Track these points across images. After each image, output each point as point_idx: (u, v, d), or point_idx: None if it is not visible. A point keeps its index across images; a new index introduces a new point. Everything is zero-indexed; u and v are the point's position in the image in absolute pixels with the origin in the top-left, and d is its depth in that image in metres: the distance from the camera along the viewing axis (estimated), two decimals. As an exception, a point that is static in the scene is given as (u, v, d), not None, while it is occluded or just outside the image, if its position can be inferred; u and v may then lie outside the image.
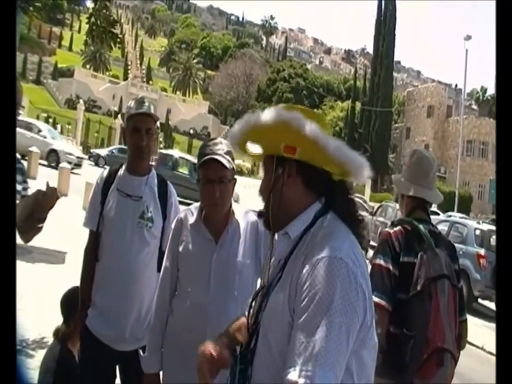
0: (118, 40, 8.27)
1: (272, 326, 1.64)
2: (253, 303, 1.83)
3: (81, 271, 3.45)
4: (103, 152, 39.09)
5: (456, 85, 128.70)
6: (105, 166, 28.18)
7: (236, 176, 2.84)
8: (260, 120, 1.67)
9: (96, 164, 35.97)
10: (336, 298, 1.47)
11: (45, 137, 27.37)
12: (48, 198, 2.64)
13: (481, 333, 9.90)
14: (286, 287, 1.61)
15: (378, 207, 24.63)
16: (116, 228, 3.32)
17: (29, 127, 27.37)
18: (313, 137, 1.60)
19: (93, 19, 7.88)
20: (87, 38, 7.73)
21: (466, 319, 3.15)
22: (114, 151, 39.84)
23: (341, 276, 1.50)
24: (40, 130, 27.81)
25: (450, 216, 17.90)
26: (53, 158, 26.93)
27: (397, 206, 17.53)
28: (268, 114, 1.65)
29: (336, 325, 1.46)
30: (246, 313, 1.87)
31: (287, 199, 1.73)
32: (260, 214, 1.87)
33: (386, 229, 3.07)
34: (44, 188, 2.68)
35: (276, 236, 1.84)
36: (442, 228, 14.30)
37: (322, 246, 1.57)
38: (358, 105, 69.18)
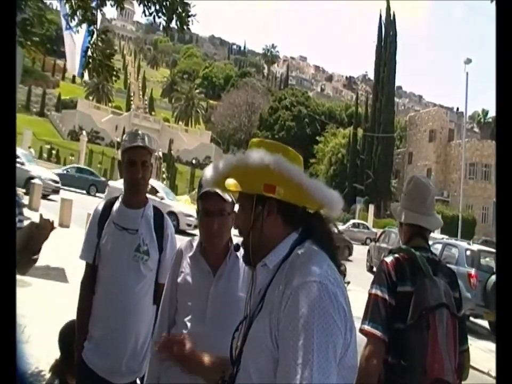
0: (115, 73, 8.24)
1: (253, 354, 1.66)
2: (236, 333, 1.85)
3: (78, 304, 3.45)
4: (57, 171, 37.40)
5: (457, 109, 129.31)
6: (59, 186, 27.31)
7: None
8: (243, 161, 1.74)
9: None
10: (319, 320, 1.49)
11: (162, 198, 24.87)
12: (42, 229, 2.64)
13: (487, 358, 9.73)
14: (267, 316, 1.63)
15: (381, 233, 24.84)
16: (112, 261, 3.33)
17: None
18: (297, 181, 1.69)
19: (89, 52, 7.88)
20: (83, 71, 7.72)
21: (468, 349, 3.06)
22: (69, 170, 40.05)
23: (321, 298, 1.52)
24: (156, 191, 25.70)
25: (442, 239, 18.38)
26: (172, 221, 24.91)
27: (400, 231, 17.77)
28: (251, 156, 1.71)
29: (323, 345, 1.48)
30: (230, 344, 1.89)
31: (267, 234, 1.78)
32: (237, 247, 1.92)
33: (383, 258, 3.02)
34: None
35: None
36: (435, 249, 14.81)
37: (301, 272, 1.60)
38: (360, 131, 69.43)
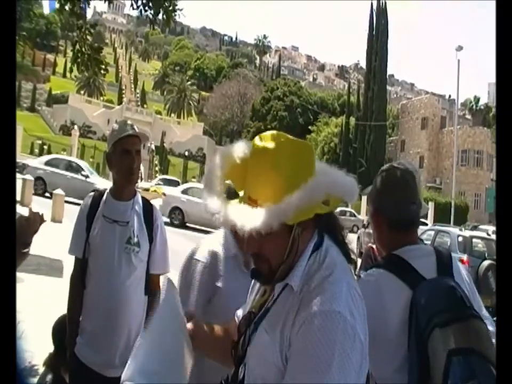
0: (103, 67, 8.22)
1: (261, 371, 1.55)
2: (242, 333, 1.72)
3: (68, 299, 3.43)
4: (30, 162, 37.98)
5: (449, 96, 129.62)
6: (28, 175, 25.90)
7: None
8: (302, 201, 1.46)
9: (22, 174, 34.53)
10: (335, 358, 1.38)
11: (87, 176, 25.79)
12: (31, 222, 2.60)
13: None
14: (277, 332, 1.51)
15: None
16: (103, 255, 3.30)
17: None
18: (344, 193, 1.58)
19: (77, 46, 7.84)
20: (72, 66, 7.72)
21: None
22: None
23: (339, 332, 1.40)
24: (82, 170, 26.53)
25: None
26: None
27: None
28: (308, 193, 1.47)
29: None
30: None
31: (298, 250, 1.58)
32: (256, 274, 1.66)
33: (369, 244, 3.05)
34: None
35: None
36: (428, 236, 15.50)
37: (319, 296, 1.46)
38: (353, 120, 69.45)
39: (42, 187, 24.52)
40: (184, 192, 24.31)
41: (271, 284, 1.64)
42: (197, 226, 22.40)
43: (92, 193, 3.56)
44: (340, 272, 1.53)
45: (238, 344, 1.70)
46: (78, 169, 26.26)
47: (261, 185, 1.52)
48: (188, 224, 23.33)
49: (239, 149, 1.64)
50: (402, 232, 2.25)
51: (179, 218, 23.43)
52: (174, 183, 37.07)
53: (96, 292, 3.30)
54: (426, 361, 1.90)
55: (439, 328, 1.90)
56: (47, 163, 26.33)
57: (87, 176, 25.49)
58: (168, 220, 23.29)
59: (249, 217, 1.47)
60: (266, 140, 1.54)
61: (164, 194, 24.69)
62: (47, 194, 24.33)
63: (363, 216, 33.75)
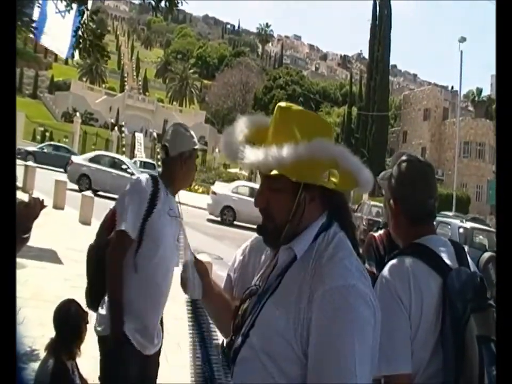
0: (105, 53, 8.19)
1: (267, 343, 1.58)
2: (243, 302, 1.78)
3: (114, 278, 3.31)
4: (31, 148, 38.13)
5: (452, 87, 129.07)
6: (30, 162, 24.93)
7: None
8: (306, 154, 1.54)
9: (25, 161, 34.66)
10: (357, 333, 1.46)
11: (132, 174, 25.10)
12: (31, 208, 2.61)
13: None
14: (290, 308, 1.55)
15: (358, 205, 26.81)
16: (163, 246, 3.43)
17: None
18: (355, 172, 1.66)
19: (79, 32, 7.80)
20: (74, 51, 7.66)
21: None
22: (44, 147, 39.16)
23: (357, 305, 1.48)
24: (127, 168, 26.63)
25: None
26: None
27: (371, 202, 19.58)
28: (313, 148, 1.56)
29: (364, 357, 1.47)
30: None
31: (302, 220, 1.67)
32: (263, 230, 1.75)
33: (372, 233, 3.04)
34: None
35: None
36: None
37: (332, 271, 1.54)
38: (355, 110, 69.44)
39: (87, 185, 24.30)
40: (235, 191, 24.51)
41: (276, 245, 1.74)
42: (248, 225, 22.18)
43: (148, 177, 3.51)
44: (348, 252, 1.62)
45: (237, 313, 1.77)
46: (121, 165, 26.30)
47: (273, 136, 1.66)
48: (235, 223, 23.52)
49: (263, 117, 1.82)
50: (421, 223, 2.30)
51: (231, 215, 23.62)
52: (149, 166, 36.77)
53: (153, 279, 3.40)
54: (461, 346, 1.96)
55: (472, 314, 1.97)
56: (92, 160, 26.26)
57: (132, 174, 24.90)
58: (219, 219, 23.66)
59: (252, 153, 1.62)
60: (289, 105, 1.70)
61: (214, 193, 24.42)
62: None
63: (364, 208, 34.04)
